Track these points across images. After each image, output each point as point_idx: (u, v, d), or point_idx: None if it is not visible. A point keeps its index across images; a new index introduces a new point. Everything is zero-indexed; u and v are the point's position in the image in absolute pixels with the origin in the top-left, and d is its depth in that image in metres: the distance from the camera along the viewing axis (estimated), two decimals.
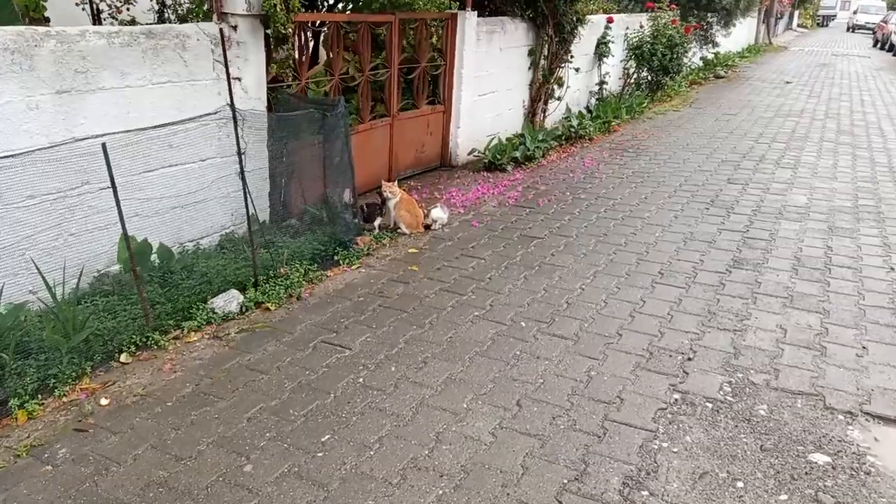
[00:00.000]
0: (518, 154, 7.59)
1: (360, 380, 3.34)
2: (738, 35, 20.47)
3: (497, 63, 7.82)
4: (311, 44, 6.05)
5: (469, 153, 7.59)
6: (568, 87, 9.23)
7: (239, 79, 4.52)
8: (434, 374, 3.40)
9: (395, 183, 5.24)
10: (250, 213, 4.02)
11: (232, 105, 3.90)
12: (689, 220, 5.89)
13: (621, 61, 11.68)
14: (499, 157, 7.41)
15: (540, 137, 8.03)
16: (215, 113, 4.03)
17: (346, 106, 5.74)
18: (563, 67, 8.97)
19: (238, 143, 3.93)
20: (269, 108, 4.92)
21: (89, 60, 3.65)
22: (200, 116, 3.97)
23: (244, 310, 3.91)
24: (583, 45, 9.64)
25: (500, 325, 3.92)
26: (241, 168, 3.94)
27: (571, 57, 8.99)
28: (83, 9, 6.01)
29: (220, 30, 4.22)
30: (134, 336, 3.48)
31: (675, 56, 11.55)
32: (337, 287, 4.37)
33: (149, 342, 3.52)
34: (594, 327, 3.92)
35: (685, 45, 11.98)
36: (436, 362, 3.51)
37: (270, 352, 3.56)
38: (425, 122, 7.10)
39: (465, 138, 7.58)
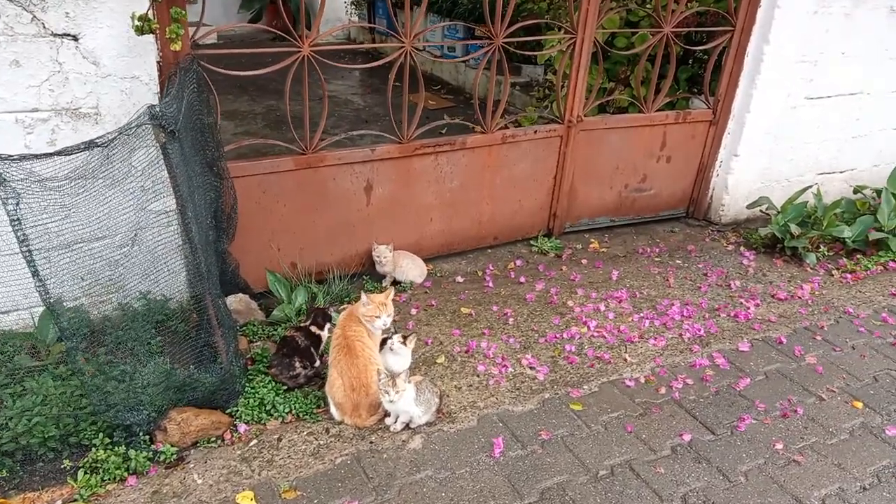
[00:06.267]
0: (848, 234, 3.66)
1: None
2: None
3: (869, 34, 3.82)
4: None
5: (751, 205, 3.96)
6: None
7: (74, 36, 2.24)
8: None
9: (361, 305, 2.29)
10: None
11: None
12: None
13: None
14: (794, 231, 3.63)
15: None
16: None
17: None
18: None
19: None
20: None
21: None
22: None
23: None
24: None
25: None
26: None
27: None
28: None
29: None
30: None
31: None
32: None
33: None
34: None
35: None
36: None
37: None
38: (655, 137, 3.77)
39: (752, 175, 3.96)
